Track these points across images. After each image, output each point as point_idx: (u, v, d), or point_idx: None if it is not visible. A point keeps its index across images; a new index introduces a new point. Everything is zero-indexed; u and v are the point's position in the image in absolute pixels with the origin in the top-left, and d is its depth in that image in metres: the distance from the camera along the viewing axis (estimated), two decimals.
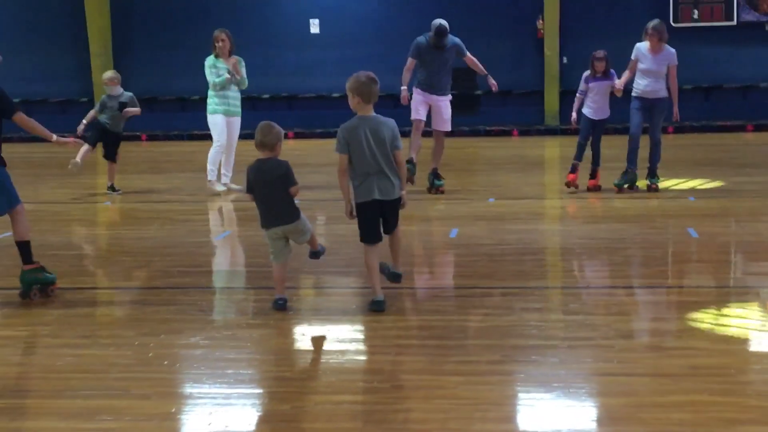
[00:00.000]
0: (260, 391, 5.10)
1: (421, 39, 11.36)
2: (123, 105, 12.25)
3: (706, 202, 10.83)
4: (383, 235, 6.51)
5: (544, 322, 6.16)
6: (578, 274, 7.88)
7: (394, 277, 6.71)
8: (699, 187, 11.97)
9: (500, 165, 15.39)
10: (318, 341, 6.00)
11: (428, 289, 7.32)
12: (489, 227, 9.49)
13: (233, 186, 12.17)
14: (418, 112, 11.48)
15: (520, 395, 4.88)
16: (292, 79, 21.53)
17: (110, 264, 8.47)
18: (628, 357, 5.38)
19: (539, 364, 5.31)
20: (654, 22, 11.31)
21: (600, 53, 11.38)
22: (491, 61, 21.57)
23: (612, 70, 11.41)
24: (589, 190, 11.53)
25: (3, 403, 4.88)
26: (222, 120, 12.11)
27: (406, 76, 11.41)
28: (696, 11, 20.29)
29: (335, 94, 20.60)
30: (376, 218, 6.43)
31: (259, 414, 4.74)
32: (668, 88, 11.29)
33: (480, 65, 11.59)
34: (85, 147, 11.73)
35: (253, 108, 18.68)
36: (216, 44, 12.03)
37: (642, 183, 11.58)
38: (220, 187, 12.12)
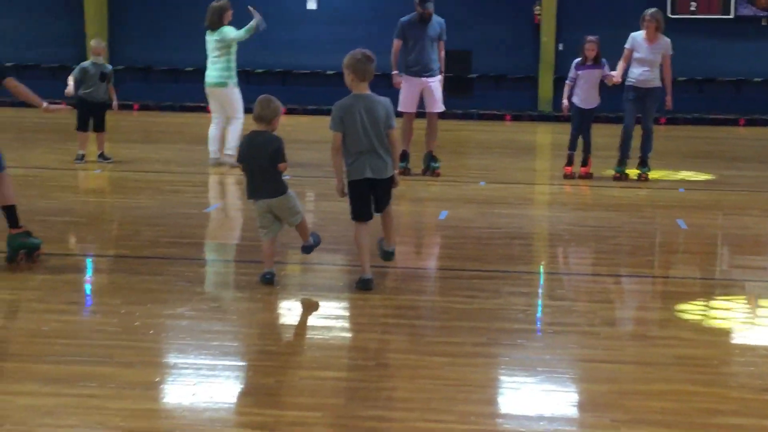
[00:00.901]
0: (245, 363, 5.10)
1: (404, 18, 11.34)
2: (104, 76, 12.13)
3: (696, 194, 10.86)
4: (374, 214, 6.51)
5: (531, 306, 6.18)
6: (566, 261, 7.90)
7: (387, 255, 6.72)
8: (689, 179, 12.00)
9: (492, 149, 15.39)
10: (304, 317, 6.01)
11: (416, 270, 7.33)
12: (479, 210, 9.50)
13: (226, 158, 11.94)
14: (409, 104, 11.38)
15: (504, 378, 4.90)
16: (287, 54, 21.42)
17: (98, 232, 8.45)
18: (613, 344, 5.41)
19: (524, 347, 5.33)
20: (652, 10, 11.31)
21: (592, 37, 11.26)
22: (487, 44, 21.69)
23: (603, 59, 11.33)
24: (580, 177, 11.54)
25: None
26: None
27: (395, 58, 11.36)
28: (694, 3, 20.27)
29: (329, 72, 20.53)
30: (368, 197, 6.43)
31: (242, 386, 4.75)
32: (662, 78, 11.29)
33: (442, 58, 11.43)
34: (82, 135, 11.99)
35: (247, 82, 18.58)
36: (227, 14, 11.82)
37: (633, 172, 11.60)
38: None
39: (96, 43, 12.41)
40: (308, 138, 15.36)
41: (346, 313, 6.08)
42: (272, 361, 5.08)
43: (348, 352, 5.34)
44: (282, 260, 7.08)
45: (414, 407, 4.44)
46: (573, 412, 4.50)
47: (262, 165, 6.40)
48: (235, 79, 11.98)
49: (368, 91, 6.39)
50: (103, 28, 21.54)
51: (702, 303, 6.36)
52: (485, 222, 8.95)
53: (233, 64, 11.95)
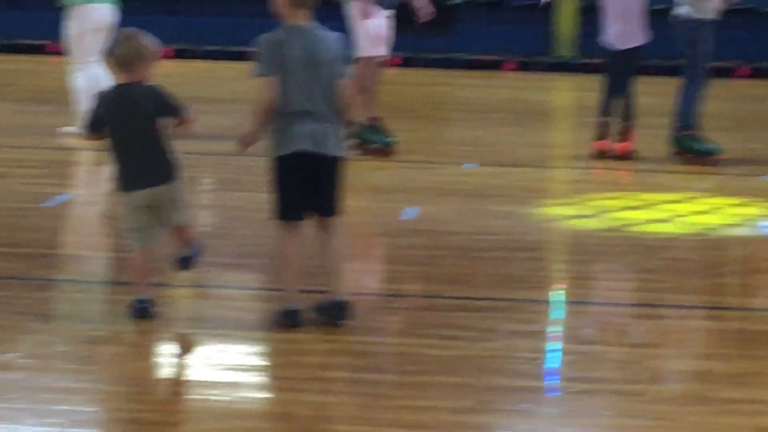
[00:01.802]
0: None
1: None
2: None
3: None
4: (315, 217, 6.40)
5: (540, 352, 6.21)
6: (593, 284, 7.95)
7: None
8: None
9: (484, 114, 15.41)
10: (196, 368, 5.99)
11: (369, 297, 7.31)
12: (462, 207, 9.53)
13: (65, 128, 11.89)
14: (377, 42, 11.38)
15: None
16: None
17: None
18: (664, 411, 5.44)
19: (531, 416, 5.35)
20: None
21: None
22: None
23: None
24: (616, 157, 11.55)
25: None
26: None
27: None
28: None
29: None
30: (301, 183, 6.35)
31: None
32: None
33: None
34: None
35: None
36: None
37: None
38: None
39: None
40: (207, 95, 15.26)
41: (262, 363, 6.09)
42: None
43: (263, 422, 5.33)
44: (164, 281, 7.04)
45: None
46: None
47: (138, 134, 6.36)
48: None
49: (310, 23, 6.35)
50: None
51: None
52: (472, 225, 8.98)
53: None
